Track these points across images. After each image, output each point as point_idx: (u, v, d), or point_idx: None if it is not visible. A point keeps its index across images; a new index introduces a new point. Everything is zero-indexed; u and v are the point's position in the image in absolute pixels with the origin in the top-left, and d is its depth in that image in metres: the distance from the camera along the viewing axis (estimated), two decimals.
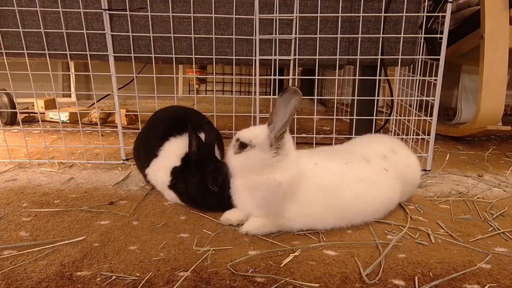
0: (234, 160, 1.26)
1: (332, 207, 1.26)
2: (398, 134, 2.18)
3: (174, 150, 1.46)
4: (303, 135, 2.53)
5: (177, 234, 1.24)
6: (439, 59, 1.79)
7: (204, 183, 1.36)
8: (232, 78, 4.46)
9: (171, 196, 1.47)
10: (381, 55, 1.86)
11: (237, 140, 1.26)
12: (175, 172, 1.43)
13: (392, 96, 2.17)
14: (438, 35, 1.81)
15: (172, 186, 1.44)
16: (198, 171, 1.37)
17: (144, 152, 1.56)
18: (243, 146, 1.24)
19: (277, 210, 1.24)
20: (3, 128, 2.46)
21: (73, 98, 3.98)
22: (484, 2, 2.19)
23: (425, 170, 1.92)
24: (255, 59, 1.84)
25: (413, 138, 2.02)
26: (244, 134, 1.27)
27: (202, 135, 1.44)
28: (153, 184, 1.54)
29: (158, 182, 1.50)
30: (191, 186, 1.38)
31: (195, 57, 1.88)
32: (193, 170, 1.38)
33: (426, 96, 1.93)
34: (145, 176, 1.57)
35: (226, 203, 1.34)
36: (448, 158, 2.20)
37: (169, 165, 1.44)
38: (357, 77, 1.90)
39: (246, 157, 1.23)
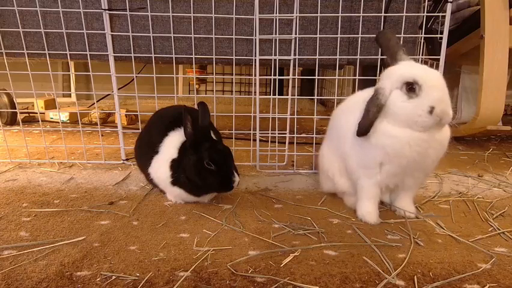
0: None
1: None
2: None
3: (172, 143, 1.44)
4: (303, 135, 2.53)
5: (177, 234, 1.24)
6: (439, 59, 1.80)
7: (201, 163, 1.34)
8: (232, 78, 4.46)
9: (176, 192, 1.45)
10: (381, 55, 1.86)
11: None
12: (174, 164, 1.41)
13: None
14: (438, 35, 1.81)
15: (175, 180, 1.42)
16: (194, 153, 1.36)
17: (145, 151, 1.53)
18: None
19: None
20: (3, 128, 2.46)
21: (73, 98, 3.99)
22: (484, 2, 2.19)
23: None
24: (255, 59, 1.84)
25: None
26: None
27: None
28: (156, 183, 1.51)
29: (161, 180, 1.47)
30: (188, 169, 1.37)
31: (194, 57, 1.88)
32: (190, 153, 1.37)
33: None
34: (147, 175, 1.54)
35: (227, 182, 1.34)
36: (448, 158, 2.20)
37: (168, 159, 1.42)
38: (357, 77, 1.90)
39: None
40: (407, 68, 1.23)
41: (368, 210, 1.36)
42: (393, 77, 1.22)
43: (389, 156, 1.25)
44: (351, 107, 1.42)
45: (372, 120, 1.22)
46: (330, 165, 1.50)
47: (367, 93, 1.33)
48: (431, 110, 1.16)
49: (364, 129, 1.24)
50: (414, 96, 1.18)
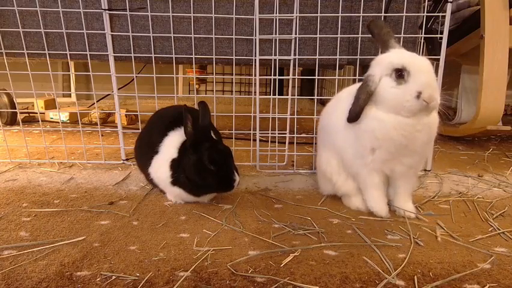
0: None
1: None
2: None
3: (172, 143, 1.44)
4: (303, 135, 2.53)
5: (177, 234, 1.24)
6: (439, 59, 1.80)
7: (202, 163, 1.34)
8: (232, 78, 4.46)
9: (176, 192, 1.45)
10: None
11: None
12: (174, 164, 1.41)
13: None
14: (438, 35, 1.81)
15: (175, 180, 1.42)
16: (194, 153, 1.36)
17: (145, 151, 1.53)
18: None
19: None
20: (3, 128, 2.46)
21: (73, 98, 3.99)
22: (484, 2, 2.19)
23: (425, 170, 1.92)
24: (255, 59, 1.84)
25: None
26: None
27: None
28: (156, 183, 1.51)
29: (160, 180, 1.47)
30: (188, 169, 1.37)
31: (194, 57, 1.88)
32: (190, 153, 1.37)
33: None
34: (147, 175, 1.54)
35: (227, 182, 1.34)
36: (448, 158, 2.20)
37: (168, 159, 1.43)
38: (357, 77, 1.90)
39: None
40: (396, 55, 1.26)
41: (377, 201, 1.38)
42: (383, 64, 1.25)
43: (378, 141, 1.27)
44: (340, 103, 1.44)
45: (362, 106, 1.26)
46: (327, 164, 1.51)
47: (354, 88, 1.35)
48: (418, 95, 1.19)
49: (354, 115, 1.27)
50: (403, 82, 1.21)
